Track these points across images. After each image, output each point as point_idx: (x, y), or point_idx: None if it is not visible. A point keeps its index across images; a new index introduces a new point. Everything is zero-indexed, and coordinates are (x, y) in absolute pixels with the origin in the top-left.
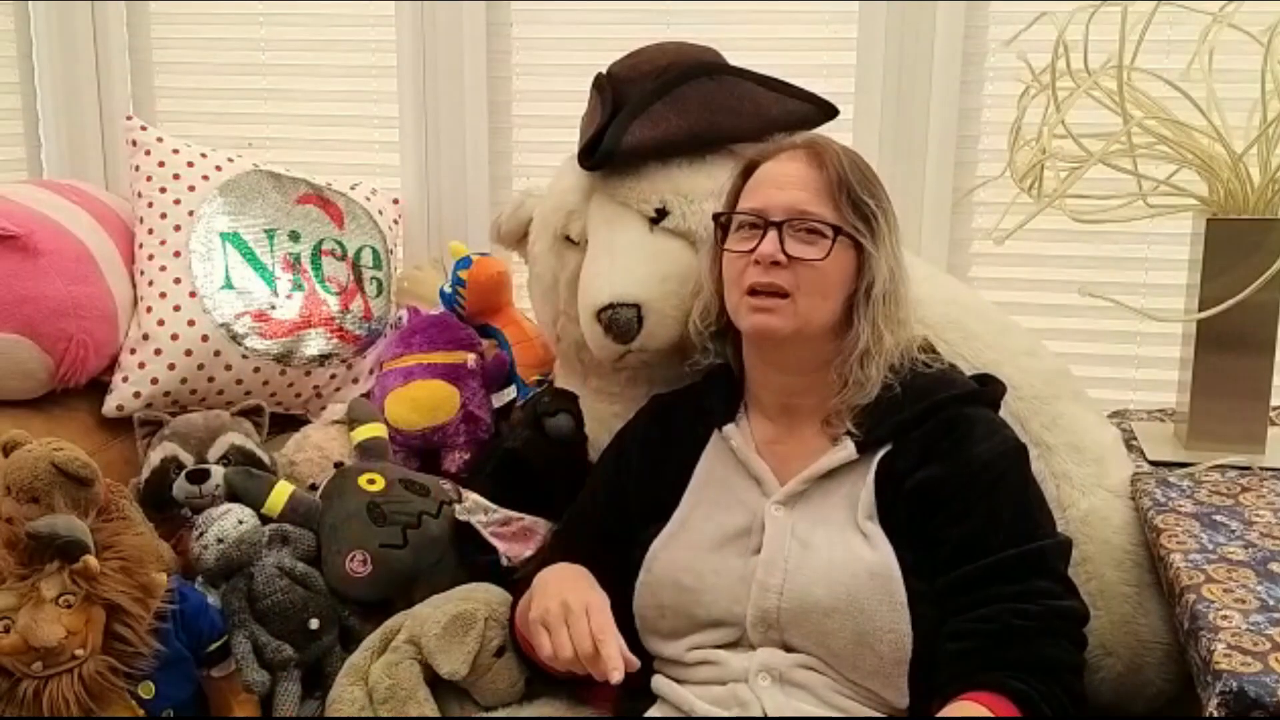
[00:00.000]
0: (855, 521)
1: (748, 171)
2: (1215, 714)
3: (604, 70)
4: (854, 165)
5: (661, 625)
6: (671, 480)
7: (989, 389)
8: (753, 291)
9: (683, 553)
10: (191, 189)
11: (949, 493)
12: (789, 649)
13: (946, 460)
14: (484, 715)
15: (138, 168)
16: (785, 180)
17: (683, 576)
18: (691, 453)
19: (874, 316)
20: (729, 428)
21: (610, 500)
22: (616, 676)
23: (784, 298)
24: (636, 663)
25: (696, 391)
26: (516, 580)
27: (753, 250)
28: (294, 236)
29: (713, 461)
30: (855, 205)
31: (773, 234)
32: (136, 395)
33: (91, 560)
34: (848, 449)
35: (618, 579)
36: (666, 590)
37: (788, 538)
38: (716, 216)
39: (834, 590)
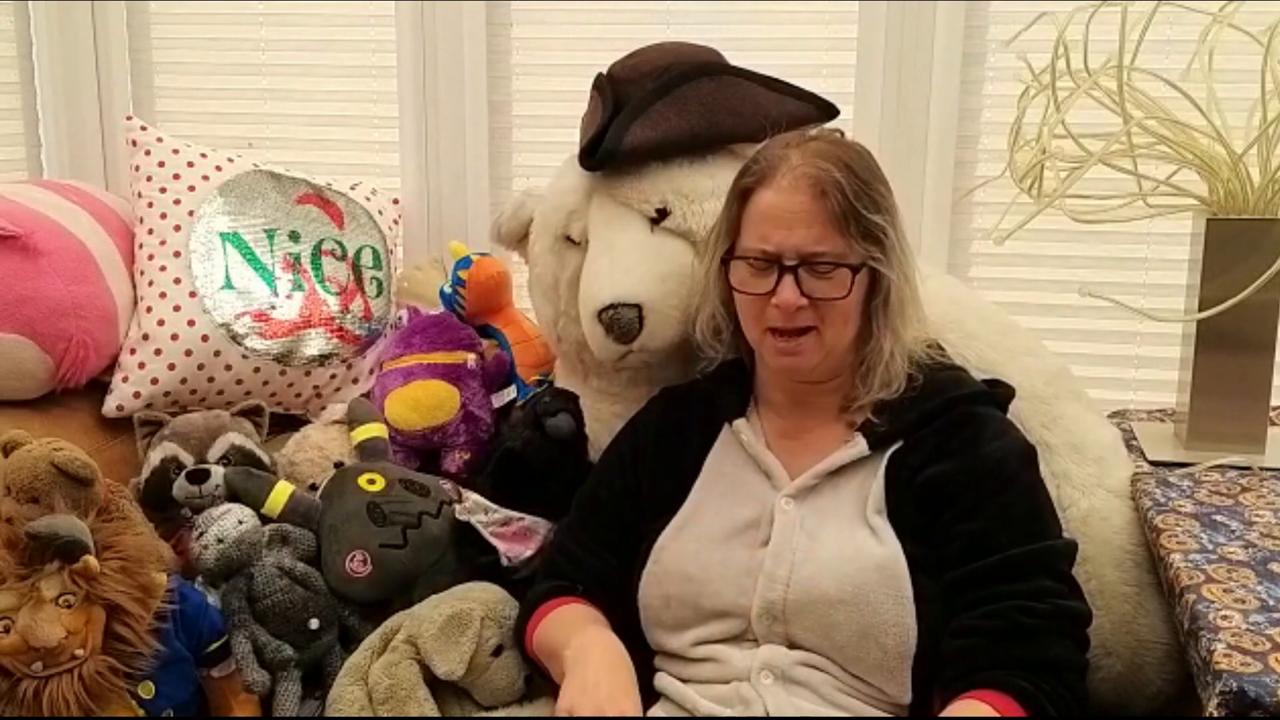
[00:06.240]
0: (864, 516)
1: (744, 195)
2: (1215, 714)
3: (604, 70)
4: (857, 182)
5: (666, 617)
6: (681, 473)
7: (999, 390)
8: (775, 330)
9: (690, 544)
10: (191, 189)
11: (959, 489)
12: (793, 644)
13: (958, 457)
14: (484, 715)
15: (138, 168)
16: (790, 218)
17: (689, 567)
18: (702, 446)
19: (893, 322)
20: (739, 422)
21: (625, 488)
22: None
23: (809, 332)
24: None
25: (707, 384)
26: (517, 580)
27: (770, 294)
28: (294, 236)
29: (723, 455)
30: (865, 231)
31: (789, 279)
32: (136, 395)
33: (91, 560)
34: (859, 445)
35: (626, 568)
36: (673, 581)
37: (796, 530)
38: (724, 258)
39: (840, 583)
